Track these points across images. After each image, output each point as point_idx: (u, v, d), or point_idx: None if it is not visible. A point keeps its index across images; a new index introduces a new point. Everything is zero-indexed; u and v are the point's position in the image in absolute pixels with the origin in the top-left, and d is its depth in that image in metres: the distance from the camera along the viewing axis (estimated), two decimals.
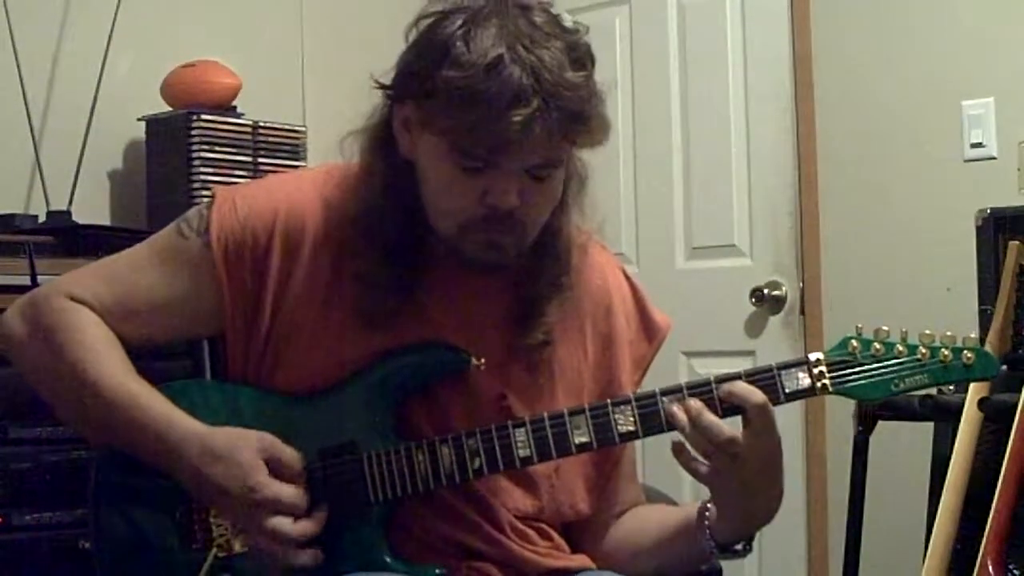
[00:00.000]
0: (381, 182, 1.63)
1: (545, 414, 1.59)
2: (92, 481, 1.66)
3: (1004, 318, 2.30)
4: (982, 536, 2.14)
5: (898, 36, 3.32)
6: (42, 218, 3.00)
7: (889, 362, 1.57)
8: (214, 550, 1.59)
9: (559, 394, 1.68)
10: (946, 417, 2.41)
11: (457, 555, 1.64)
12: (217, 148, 3.13)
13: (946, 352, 1.56)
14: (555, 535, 1.72)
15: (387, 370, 1.62)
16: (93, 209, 3.17)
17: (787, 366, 1.58)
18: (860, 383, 1.57)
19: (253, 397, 1.65)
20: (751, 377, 1.57)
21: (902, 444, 2.83)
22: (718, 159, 3.61)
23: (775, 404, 1.56)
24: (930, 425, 2.55)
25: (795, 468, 3.38)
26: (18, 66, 3.00)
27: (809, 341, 3.45)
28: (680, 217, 3.69)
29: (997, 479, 2.16)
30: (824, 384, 1.57)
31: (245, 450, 1.54)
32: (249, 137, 3.20)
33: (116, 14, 3.11)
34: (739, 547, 1.65)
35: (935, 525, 2.25)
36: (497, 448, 1.58)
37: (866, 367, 1.57)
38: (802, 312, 3.49)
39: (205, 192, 3.02)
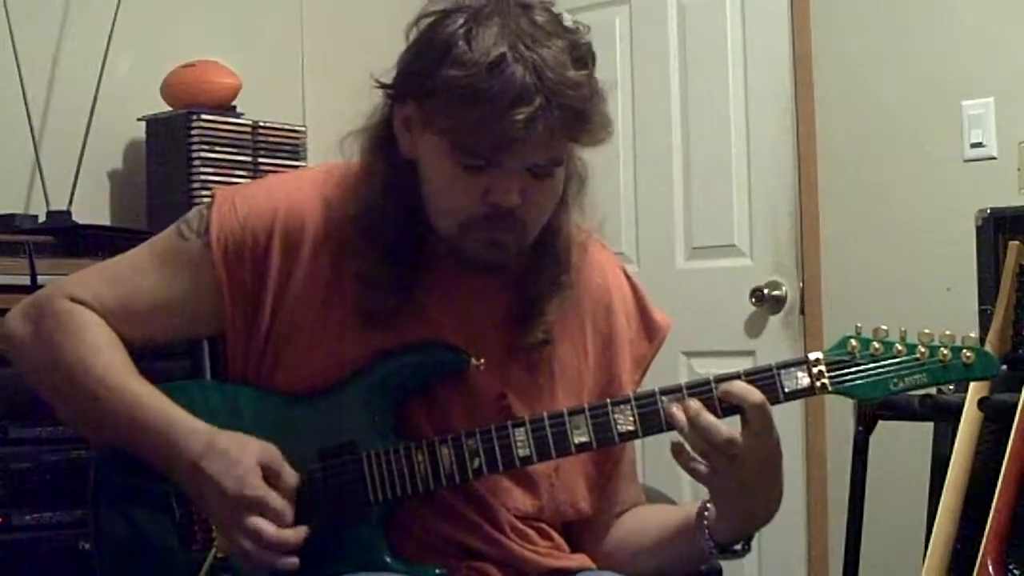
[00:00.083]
0: (381, 182, 1.63)
1: (544, 414, 1.59)
2: (92, 481, 1.66)
3: (1004, 318, 2.30)
4: (982, 536, 2.14)
5: (898, 36, 3.32)
6: (42, 218, 3.00)
7: (888, 361, 1.57)
8: (214, 550, 1.59)
9: (559, 393, 1.68)
10: (946, 417, 2.41)
11: (457, 555, 1.63)
12: (217, 148, 3.14)
13: (945, 351, 1.56)
14: (555, 535, 1.72)
15: (387, 370, 1.62)
16: (93, 209, 3.17)
17: (786, 365, 1.58)
18: (859, 382, 1.57)
19: (253, 397, 1.65)
20: (750, 377, 1.57)
21: (902, 444, 2.83)
22: (718, 159, 3.61)
23: (774, 404, 1.56)
24: (930, 425, 2.55)
25: (795, 468, 3.38)
26: (18, 66, 3.00)
27: (809, 341, 3.45)
28: (680, 217, 3.69)
29: (997, 479, 2.16)
30: (823, 383, 1.57)
31: (246, 452, 1.54)
32: (249, 137, 3.20)
33: (116, 14, 3.11)
34: (738, 547, 1.65)
35: (935, 525, 2.25)
36: (497, 448, 1.58)
37: (865, 366, 1.57)
38: (802, 312, 3.49)
39: (205, 192, 3.02)
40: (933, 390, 2.35)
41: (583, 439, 1.58)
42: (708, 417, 1.54)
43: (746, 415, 1.54)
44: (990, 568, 2.11)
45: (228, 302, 1.64)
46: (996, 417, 2.28)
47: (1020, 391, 2.20)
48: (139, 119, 3.23)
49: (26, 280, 2.61)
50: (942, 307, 3.08)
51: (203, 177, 3.09)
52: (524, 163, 1.54)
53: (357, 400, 1.62)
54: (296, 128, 3.31)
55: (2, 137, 3.08)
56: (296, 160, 3.27)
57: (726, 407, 1.56)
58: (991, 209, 2.59)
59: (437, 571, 1.60)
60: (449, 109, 1.51)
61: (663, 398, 1.57)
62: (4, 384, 2.25)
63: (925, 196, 3.26)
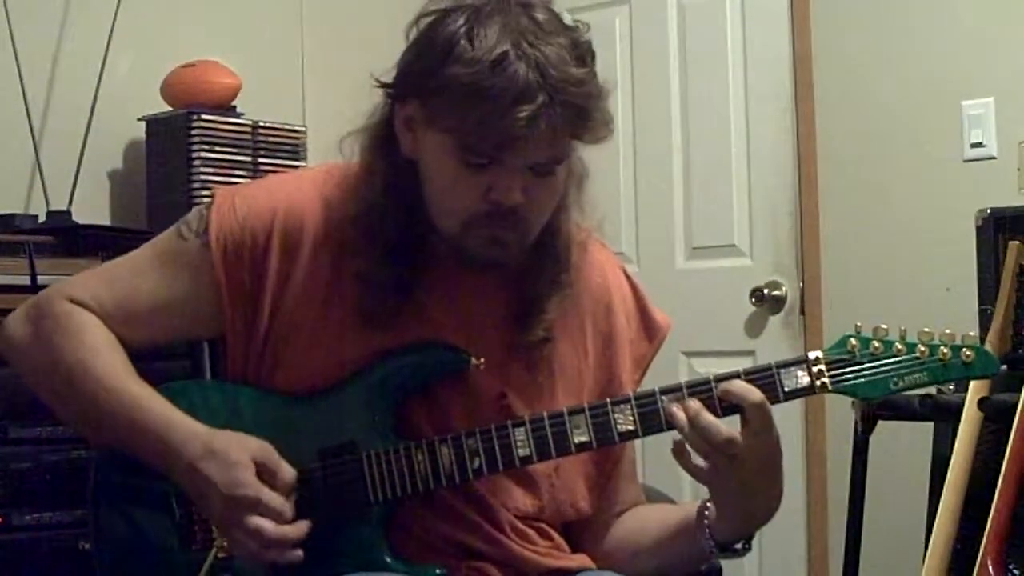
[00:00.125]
0: (382, 181, 1.63)
1: (544, 413, 1.59)
2: (92, 481, 1.66)
3: (1004, 318, 2.30)
4: (982, 536, 2.14)
5: (898, 36, 3.32)
6: (42, 218, 3.00)
7: (888, 360, 1.57)
8: (214, 550, 1.59)
9: (559, 393, 1.68)
10: (946, 417, 2.41)
11: (457, 555, 1.63)
12: (217, 148, 3.13)
13: (945, 350, 1.56)
14: (555, 535, 1.72)
15: (387, 370, 1.62)
16: (93, 209, 3.17)
17: (786, 365, 1.58)
18: (859, 381, 1.57)
19: (253, 397, 1.65)
20: (750, 376, 1.56)
21: (902, 444, 2.83)
22: (718, 159, 3.61)
23: (774, 403, 1.55)
24: (930, 425, 2.55)
25: (795, 468, 3.38)
26: (18, 66, 3.00)
27: (809, 341, 3.45)
28: (680, 217, 3.69)
29: (997, 479, 2.16)
30: (823, 383, 1.57)
31: (239, 450, 1.54)
32: (249, 137, 3.20)
33: (116, 14, 3.11)
34: (739, 546, 1.65)
35: (935, 525, 2.25)
36: (497, 448, 1.58)
37: (865, 365, 1.57)
38: (802, 312, 3.50)
39: (205, 192, 3.02)
40: (933, 390, 2.35)
41: (583, 439, 1.58)
42: (708, 417, 1.54)
43: (746, 414, 1.54)
44: (990, 568, 2.11)
45: (227, 302, 1.64)
46: (996, 417, 2.28)
47: (1020, 391, 2.20)
48: (139, 119, 3.23)
49: (26, 280, 2.61)
50: (942, 307, 3.08)
51: (203, 177, 3.09)
52: (527, 161, 1.54)
53: (357, 400, 1.62)
54: (296, 128, 3.31)
55: (2, 137, 3.08)
56: (296, 160, 3.27)
57: (726, 406, 1.56)
58: (991, 209, 2.59)
59: (437, 571, 1.60)
60: (452, 107, 1.51)
61: (663, 398, 1.57)
62: (4, 384, 2.25)
63: (925, 196, 3.26)
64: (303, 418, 1.62)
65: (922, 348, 1.56)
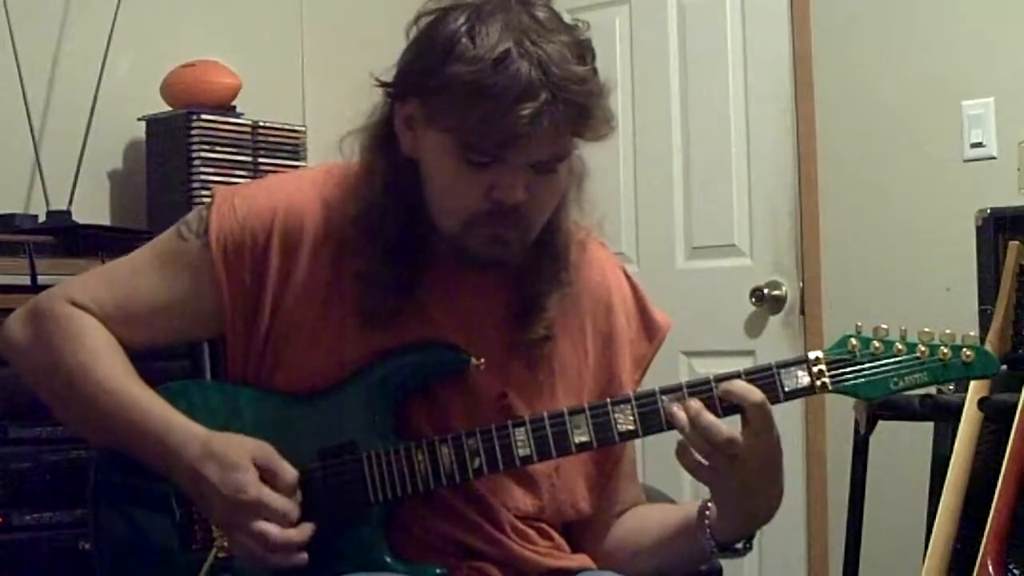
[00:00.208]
0: (382, 181, 1.63)
1: (545, 413, 1.59)
2: (92, 481, 1.66)
3: (1004, 318, 2.30)
4: (982, 536, 2.14)
5: (898, 36, 3.32)
6: (42, 218, 3.00)
7: (888, 360, 1.57)
8: (214, 550, 1.59)
9: (559, 392, 1.68)
10: (946, 417, 2.41)
11: (457, 555, 1.63)
12: (217, 148, 3.14)
13: (945, 350, 1.56)
14: (555, 535, 1.72)
15: (387, 370, 1.62)
16: (93, 209, 3.17)
17: (786, 365, 1.57)
18: (859, 381, 1.57)
19: (253, 397, 1.65)
20: (750, 376, 1.56)
21: (902, 444, 2.83)
22: (718, 159, 3.61)
23: (774, 403, 1.55)
24: (930, 425, 2.55)
25: (795, 468, 3.38)
26: (18, 66, 3.00)
27: (809, 341, 3.45)
28: (680, 217, 3.69)
29: (997, 479, 2.16)
30: (823, 382, 1.57)
31: (239, 452, 1.54)
32: (249, 137, 3.20)
33: (116, 14, 3.11)
34: (739, 546, 1.65)
35: (935, 525, 2.25)
36: (497, 448, 1.58)
37: (865, 365, 1.57)
38: (802, 312, 3.50)
39: (205, 192, 3.02)
40: (933, 390, 2.35)
41: (583, 438, 1.58)
42: (708, 417, 1.54)
43: (746, 414, 1.54)
44: (990, 568, 2.11)
45: (227, 302, 1.64)
46: (996, 417, 2.28)
47: (1020, 391, 2.20)
48: (139, 119, 3.24)
49: (26, 280, 2.61)
50: (942, 307, 3.08)
51: (203, 177, 3.09)
52: (529, 159, 1.54)
53: (357, 400, 1.62)
54: (296, 128, 3.31)
55: (2, 137, 3.08)
56: (296, 160, 3.27)
57: (726, 406, 1.55)
58: (991, 209, 2.59)
59: (437, 571, 1.59)
60: (453, 106, 1.50)
61: (663, 398, 1.57)
62: (4, 384, 2.25)
63: (925, 196, 3.26)
64: (303, 418, 1.62)
65: (922, 348, 1.56)
